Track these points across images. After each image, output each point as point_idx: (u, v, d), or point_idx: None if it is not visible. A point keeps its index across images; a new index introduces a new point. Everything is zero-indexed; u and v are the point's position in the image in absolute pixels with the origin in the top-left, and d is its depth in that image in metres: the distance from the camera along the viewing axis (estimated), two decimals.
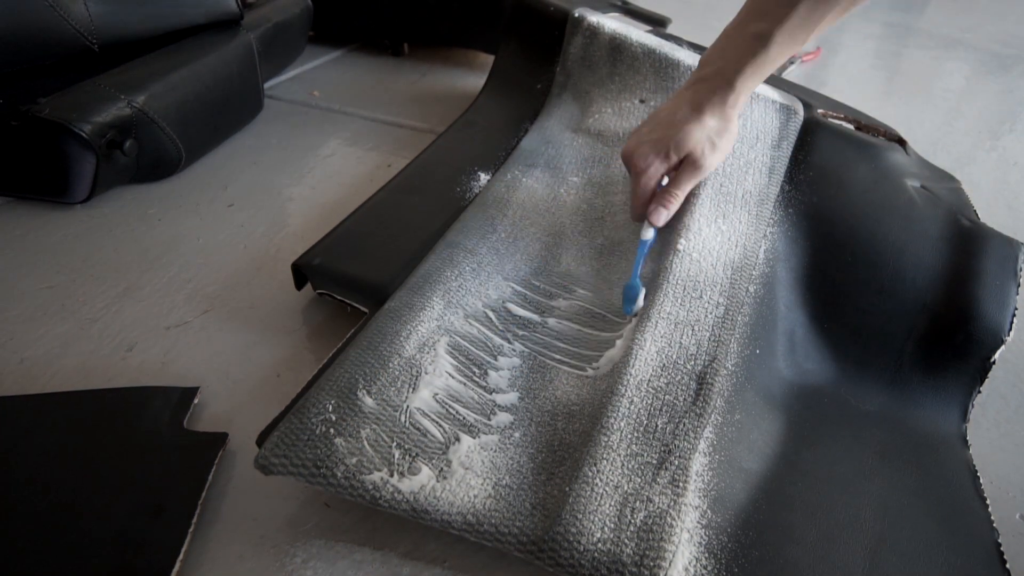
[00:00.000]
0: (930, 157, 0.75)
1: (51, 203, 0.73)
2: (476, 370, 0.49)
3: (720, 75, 0.51)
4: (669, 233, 0.58)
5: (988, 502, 0.46)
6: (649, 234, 0.55)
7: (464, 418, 0.45)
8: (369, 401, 0.44)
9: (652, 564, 0.36)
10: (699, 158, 0.52)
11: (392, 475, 0.40)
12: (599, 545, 0.37)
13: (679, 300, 0.51)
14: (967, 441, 0.51)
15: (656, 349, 0.47)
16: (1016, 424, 0.54)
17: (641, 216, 0.56)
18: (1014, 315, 0.53)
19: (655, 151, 0.52)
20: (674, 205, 0.54)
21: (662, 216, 0.54)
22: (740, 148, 0.64)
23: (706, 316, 0.50)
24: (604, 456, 0.41)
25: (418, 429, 0.44)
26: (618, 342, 0.51)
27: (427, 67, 1.17)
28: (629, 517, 0.38)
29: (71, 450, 0.45)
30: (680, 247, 0.55)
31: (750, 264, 0.54)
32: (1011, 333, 0.52)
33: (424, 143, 0.81)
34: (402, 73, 1.15)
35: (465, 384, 0.48)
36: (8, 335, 0.56)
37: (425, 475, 0.41)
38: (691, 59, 0.76)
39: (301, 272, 0.59)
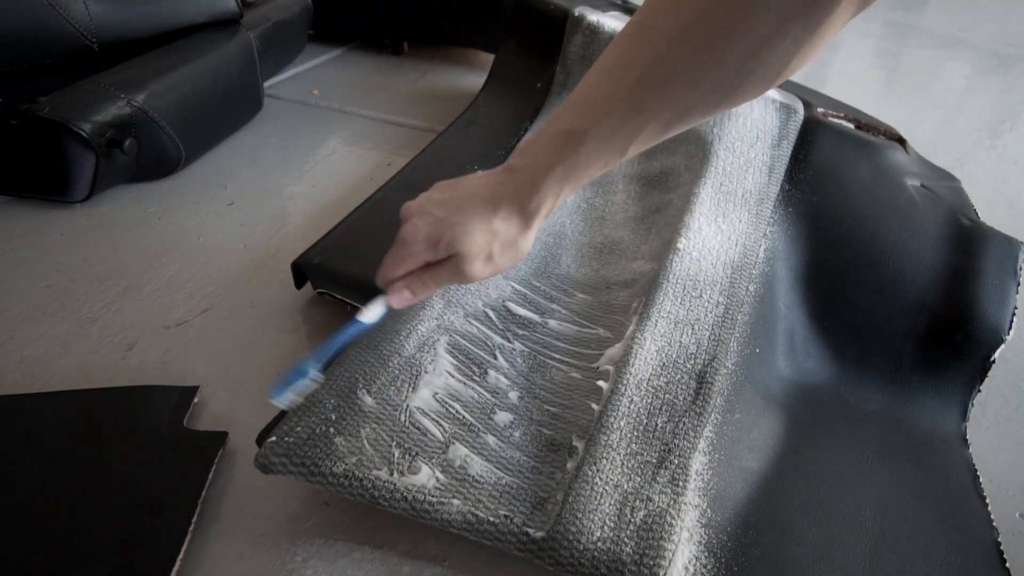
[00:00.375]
0: (930, 156, 0.75)
1: (51, 202, 0.73)
2: (476, 369, 0.49)
3: (527, 172, 0.42)
4: (669, 232, 0.58)
5: (988, 501, 0.46)
6: (374, 314, 0.44)
7: (464, 417, 0.45)
8: (369, 400, 0.44)
9: (652, 563, 0.36)
10: (464, 267, 0.42)
11: (392, 474, 0.40)
12: (599, 544, 0.37)
13: (679, 299, 0.51)
14: (967, 440, 0.51)
15: (656, 348, 0.47)
16: (1016, 423, 0.54)
17: (385, 285, 0.45)
18: (1014, 314, 0.53)
19: (428, 232, 0.42)
20: (422, 294, 0.45)
21: (403, 299, 0.44)
22: (740, 147, 0.64)
23: (706, 315, 0.50)
24: (604, 455, 0.41)
25: (418, 428, 0.44)
26: (618, 342, 0.51)
27: (427, 66, 1.17)
28: (629, 516, 0.38)
29: (71, 449, 0.45)
30: (680, 246, 0.55)
31: (750, 263, 0.54)
32: (1011, 332, 0.52)
33: (424, 142, 0.81)
34: (402, 72, 1.15)
35: (465, 383, 0.48)
36: (8, 334, 0.56)
37: (425, 474, 0.41)
38: None
39: (301, 271, 0.59)
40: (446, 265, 0.43)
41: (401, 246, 0.44)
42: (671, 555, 0.37)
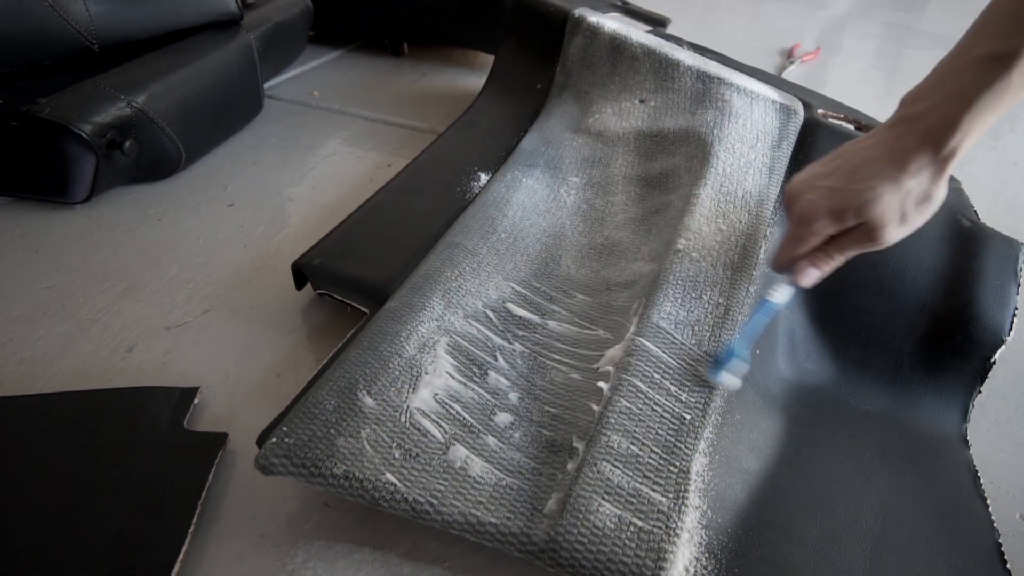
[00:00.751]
0: None
1: (51, 203, 0.73)
2: (476, 370, 0.49)
3: (936, 113, 0.37)
4: (669, 233, 0.58)
5: (988, 502, 0.46)
6: (784, 295, 0.45)
7: (464, 418, 0.45)
8: (369, 401, 0.44)
9: (652, 564, 0.36)
10: (880, 230, 0.40)
11: (392, 475, 0.40)
12: (600, 545, 0.37)
13: (679, 300, 0.51)
14: (967, 441, 0.51)
15: (656, 349, 0.47)
16: (1016, 424, 0.54)
17: (784, 267, 0.45)
18: (1014, 315, 0.53)
19: (830, 205, 0.40)
20: (830, 269, 0.43)
21: (812, 277, 0.44)
22: (740, 148, 0.64)
23: (706, 316, 0.50)
24: (604, 456, 0.41)
25: (418, 429, 0.44)
26: (618, 343, 0.51)
27: (427, 67, 1.17)
28: (629, 517, 0.38)
29: (71, 450, 0.44)
30: (680, 247, 0.55)
31: (750, 264, 0.54)
32: (1011, 333, 0.52)
33: (424, 143, 0.81)
34: (402, 73, 1.15)
35: (465, 384, 0.48)
36: (8, 335, 0.56)
37: (426, 475, 0.41)
38: (691, 59, 0.76)
39: (301, 272, 0.59)
40: (854, 235, 0.41)
41: (800, 225, 0.42)
42: (672, 556, 0.37)
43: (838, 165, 0.41)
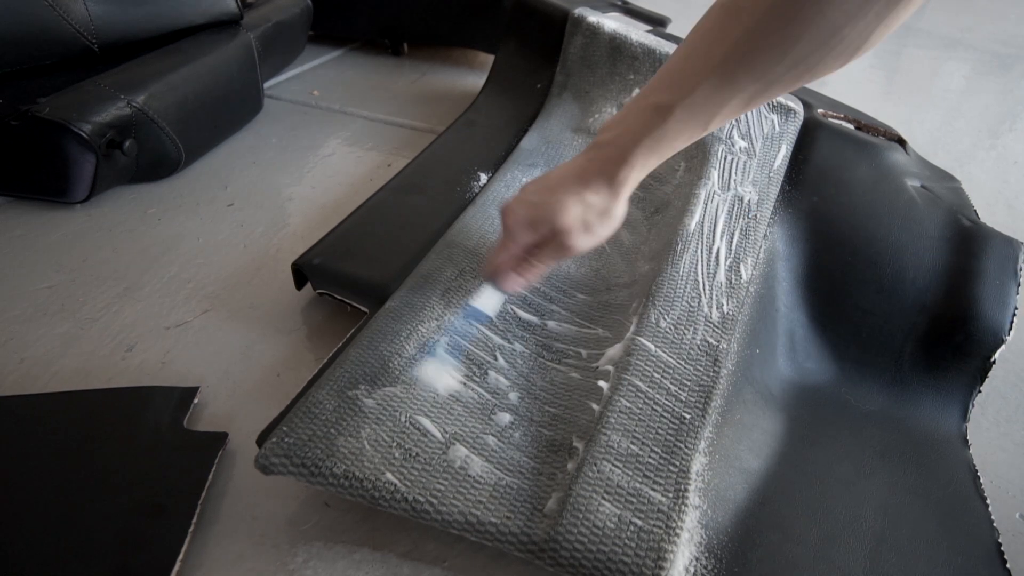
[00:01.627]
0: (930, 157, 0.75)
1: (51, 203, 0.73)
2: (476, 370, 0.49)
3: (614, 145, 0.44)
4: (669, 233, 0.58)
5: (988, 501, 0.46)
6: (491, 302, 0.49)
7: (464, 418, 0.45)
8: (369, 401, 0.44)
9: (653, 564, 0.36)
10: (566, 238, 0.46)
11: (392, 475, 0.40)
12: (600, 545, 0.37)
13: (679, 300, 0.51)
14: (967, 440, 0.51)
15: (656, 349, 0.47)
16: (1016, 424, 0.54)
17: (491, 275, 0.50)
18: (1014, 315, 0.53)
19: (528, 217, 0.46)
20: (532, 277, 0.49)
21: (515, 284, 0.49)
22: (740, 148, 0.64)
23: (705, 317, 0.50)
24: (604, 456, 0.41)
25: (418, 429, 0.44)
26: (618, 343, 0.51)
27: (427, 67, 1.17)
28: (630, 517, 0.38)
29: (71, 450, 0.44)
30: (679, 247, 0.55)
31: (749, 265, 0.54)
32: (1011, 333, 0.52)
33: (424, 143, 0.81)
34: (402, 73, 1.15)
35: (465, 384, 0.48)
36: (8, 335, 0.56)
37: (426, 475, 0.41)
38: None
39: (301, 272, 0.59)
40: (549, 243, 0.47)
41: (504, 234, 0.48)
42: (672, 556, 0.37)
43: (542, 183, 0.47)
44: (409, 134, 0.94)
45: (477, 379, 0.48)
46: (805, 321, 0.55)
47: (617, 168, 0.44)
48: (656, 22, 1.02)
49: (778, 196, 0.60)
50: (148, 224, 0.71)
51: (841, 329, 0.55)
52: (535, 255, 0.48)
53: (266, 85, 1.01)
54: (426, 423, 0.44)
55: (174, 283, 0.63)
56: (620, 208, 0.46)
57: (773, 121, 0.66)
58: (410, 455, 0.42)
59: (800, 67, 0.39)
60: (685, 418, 0.43)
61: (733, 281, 0.53)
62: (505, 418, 0.46)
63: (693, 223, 0.57)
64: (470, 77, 1.13)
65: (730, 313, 0.50)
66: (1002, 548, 0.43)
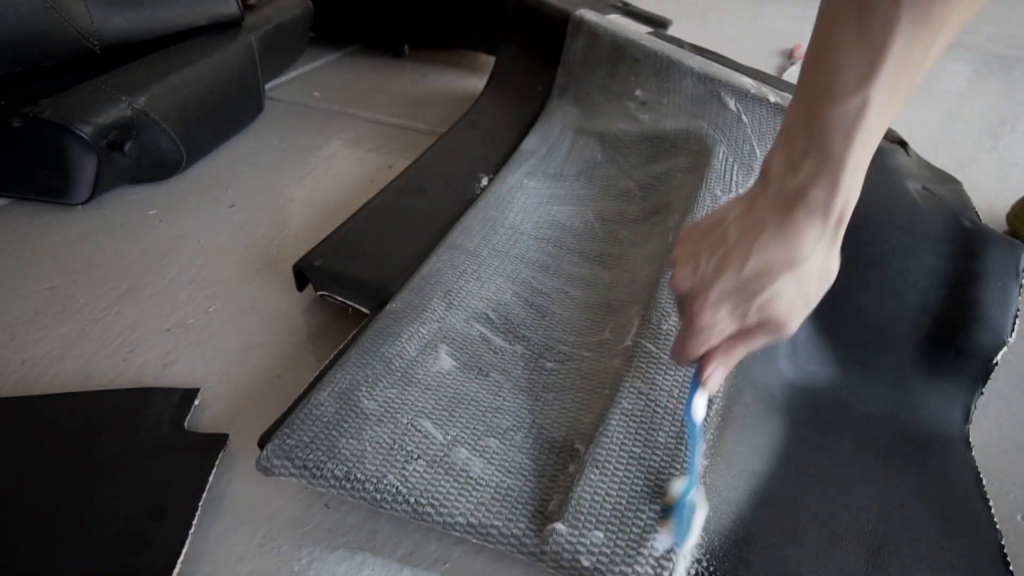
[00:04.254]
0: (931, 158, 0.75)
1: (52, 204, 0.73)
2: (478, 371, 0.49)
3: (816, 181, 0.34)
4: (671, 234, 0.58)
5: (991, 503, 0.46)
6: (701, 410, 0.40)
7: (465, 420, 0.45)
8: (371, 403, 0.44)
9: (655, 565, 0.36)
10: (786, 325, 0.36)
11: (394, 477, 0.40)
12: (602, 547, 0.37)
13: None
14: (970, 442, 0.51)
15: (657, 350, 0.47)
16: (1018, 425, 0.54)
17: (684, 362, 0.40)
18: (1016, 316, 0.53)
19: (730, 305, 0.36)
20: (734, 363, 0.39)
21: (718, 380, 0.39)
22: (742, 149, 0.64)
23: None
24: (606, 458, 0.41)
25: (420, 431, 0.43)
26: (619, 344, 0.51)
27: (428, 68, 1.18)
28: (631, 519, 0.38)
29: (72, 452, 0.44)
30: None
31: None
32: (1013, 334, 0.52)
33: (425, 144, 0.81)
34: (403, 74, 1.15)
35: (466, 386, 0.48)
36: (9, 336, 0.56)
37: (427, 477, 0.41)
38: (692, 61, 0.76)
39: (302, 274, 0.59)
40: (759, 331, 0.37)
41: (699, 330, 0.37)
42: (673, 558, 0.36)
43: (727, 252, 0.37)
44: (410, 136, 0.94)
45: (479, 381, 0.48)
46: (807, 322, 0.55)
47: (830, 208, 0.34)
48: (657, 24, 1.02)
49: None
50: (149, 225, 0.71)
51: (843, 331, 0.55)
52: (740, 339, 0.38)
53: (267, 87, 1.01)
54: (428, 425, 0.44)
55: (175, 284, 0.63)
56: (837, 255, 0.37)
57: (774, 122, 0.66)
58: (412, 457, 0.42)
59: None
60: (687, 420, 0.43)
61: None
62: (506, 420, 0.46)
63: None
64: (471, 79, 1.13)
65: None
66: (1005, 550, 0.43)
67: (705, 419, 0.41)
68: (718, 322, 0.37)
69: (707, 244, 0.37)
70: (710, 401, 0.45)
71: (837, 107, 0.33)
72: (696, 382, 0.39)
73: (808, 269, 0.35)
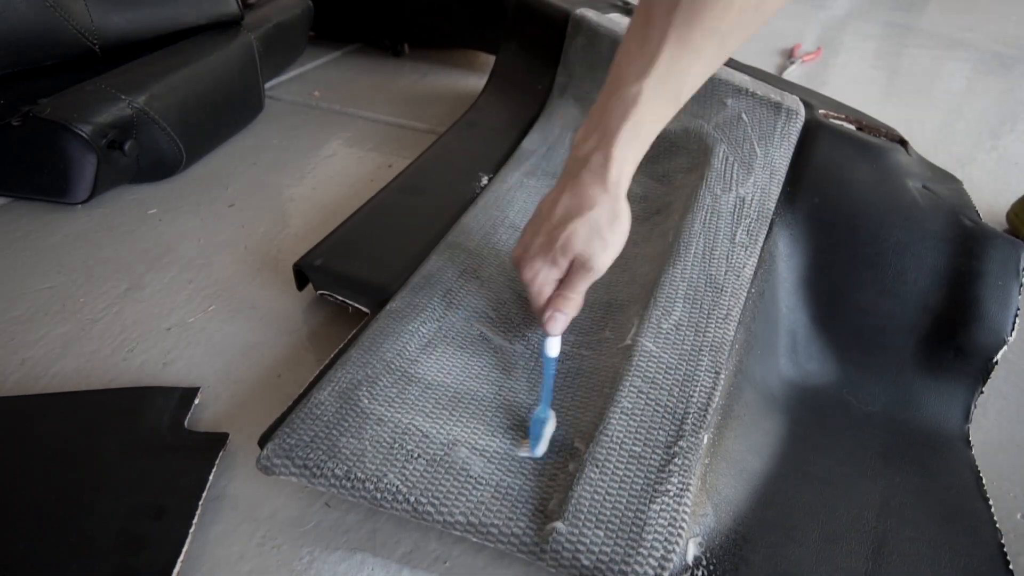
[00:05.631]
0: (931, 157, 0.75)
1: (52, 203, 0.73)
2: (477, 371, 0.49)
3: (597, 149, 0.44)
4: (671, 234, 0.58)
5: (991, 502, 0.46)
6: (554, 349, 0.47)
7: (466, 419, 0.45)
8: (371, 402, 0.44)
9: (655, 564, 0.36)
10: (587, 260, 0.44)
11: (394, 476, 0.40)
12: (602, 546, 0.37)
13: (680, 301, 0.51)
14: (969, 441, 0.51)
15: (658, 350, 0.47)
16: (1018, 424, 0.54)
17: (538, 316, 0.49)
18: (1016, 315, 0.53)
19: (541, 257, 0.46)
20: (571, 308, 0.47)
21: (559, 322, 0.47)
22: (741, 149, 0.64)
23: (707, 317, 0.50)
24: (607, 457, 0.41)
25: (420, 430, 0.43)
26: (619, 343, 0.51)
27: (428, 67, 1.17)
28: (632, 518, 0.38)
29: (72, 451, 0.44)
30: (680, 248, 0.55)
31: (751, 265, 0.54)
32: (1013, 333, 0.52)
33: (425, 143, 0.81)
34: (403, 73, 1.15)
35: (466, 385, 0.48)
36: (9, 335, 0.56)
37: (427, 476, 0.41)
38: None
39: (302, 273, 0.59)
40: (574, 271, 0.46)
41: (530, 282, 0.47)
42: (674, 557, 0.36)
43: (539, 220, 0.47)
44: (410, 135, 0.94)
45: (479, 380, 0.48)
46: (807, 321, 0.55)
47: (606, 172, 0.44)
48: None
49: (779, 197, 0.60)
50: (149, 225, 0.71)
51: (843, 329, 0.55)
52: (565, 285, 0.47)
53: (267, 86, 1.01)
54: (428, 424, 0.44)
55: (175, 284, 0.63)
56: (624, 210, 0.45)
57: (775, 122, 0.66)
58: (412, 456, 0.42)
59: (747, 8, 0.40)
60: (686, 419, 0.43)
61: (735, 282, 0.53)
62: (507, 419, 0.46)
63: (694, 224, 0.57)
64: (471, 78, 1.13)
65: (731, 314, 0.50)
66: (1005, 549, 0.43)
67: (558, 356, 0.48)
68: (538, 271, 0.46)
69: (530, 221, 0.48)
70: (711, 398, 0.44)
71: (619, 93, 0.43)
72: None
73: (595, 215, 0.44)
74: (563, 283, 0.47)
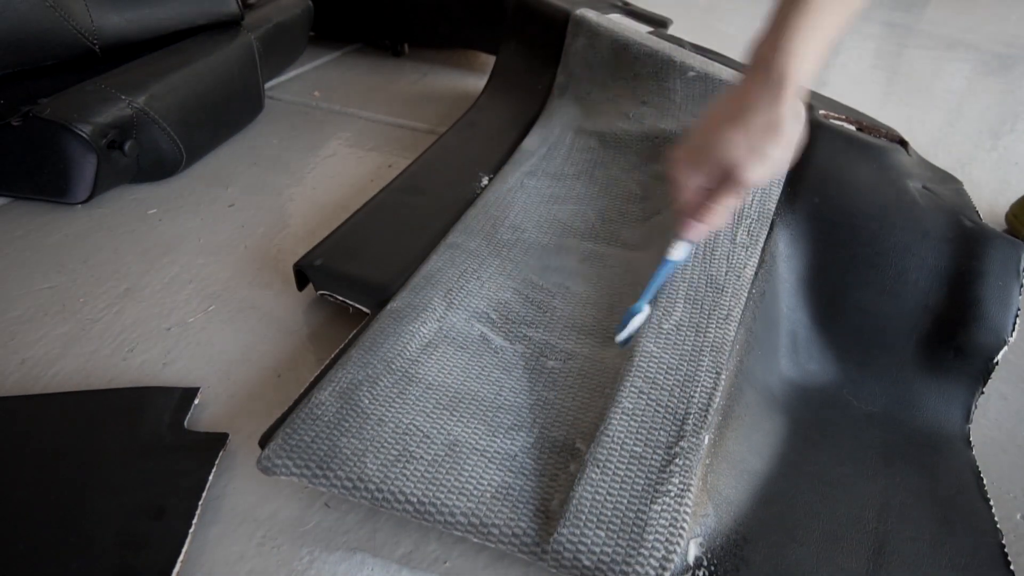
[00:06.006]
0: (931, 158, 0.75)
1: (52, 203, 0.73)
2: (478, 371, 0.49)
3: (767, 43, 0.39)
4: (671, 234, 0.58)
5: (991, 503, 0.46)
6: (678, 253, 0.47)
7: (467, 419, 0.45)
8: (372, 403, 0.44)
9: (656, 565, 0.36)
10: (737, 171, 0.40)
11: (395, 476, 0.40)
12: (603, 547, 0.37)
13: (681, 302, 0.51)
14: (970, 442, 0.51)
15: (659, 351, 0.47)
16: (1018, 424, 0.54)
17: (680, 218, 0.46)
18: (1016, 316, 0.53)
19: (692, 163, 0.42)
20: (714, 221, 0.44)
21: (697, 232, 0.45)
22: None
23: (708, 317, 0.50)
24: (608, 458, 0.41)
25: (420, 430, 0.43)
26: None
27: (428, 67, 1.17)
28: (632, 518, 0.38)
29: (72, 451, 0.44)
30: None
31: (752, 265, 0.54)
32: (1014, 334, 0.52)
33: (425, 143, 0.81)
34: (403, 73, 1.15)
35: (467, 385, 0.48)
36: (9, 335, 0.56)
37: (428, 476, 0.41)
38: (692, 60, 0.76)
39: (303, 273, 0.59)
40: (725, 183, 0.42)
41: (675, 187, 0.44)
42: (675, 557, 0.36)
43: (701, 126, 0.42)
44: (410, 135, 0.94)
45: (480, 380, 0.48)
46: (807, 322, 0.55)
47: (771, 63, 0.38)
48: (657, 23, 1.02)
49: (780, 197, 0.60)
50: (149, 225, 0.71)
51: (843, 330, 0.55)
52: (711, 196, 0.43)
53: (267, 86, 1.01)
54: (428, 424, 0.44)
55: (175, 284, 0.63)
56: (788, 114, 0.39)
57: None
58: (413, 456, 0.42)
59: None
60: (687, 419, 0.43)
61: (735, 282, 0.53)
62: (508, 419, 0.46)
63: None
64: (471, 78, 1.13)
65: (732, 314, 0.50)
66: (1005, 549, 0.43)
67: (679, 261, 0.47)
68: (688, 176, 0.43)
69: (696, 124, 0.43)
70: (711, 399, 0.44)
71: None
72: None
73: (749, 120, 0.40)
74: (712, 192, 0.43)
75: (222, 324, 0.59)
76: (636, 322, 0.46)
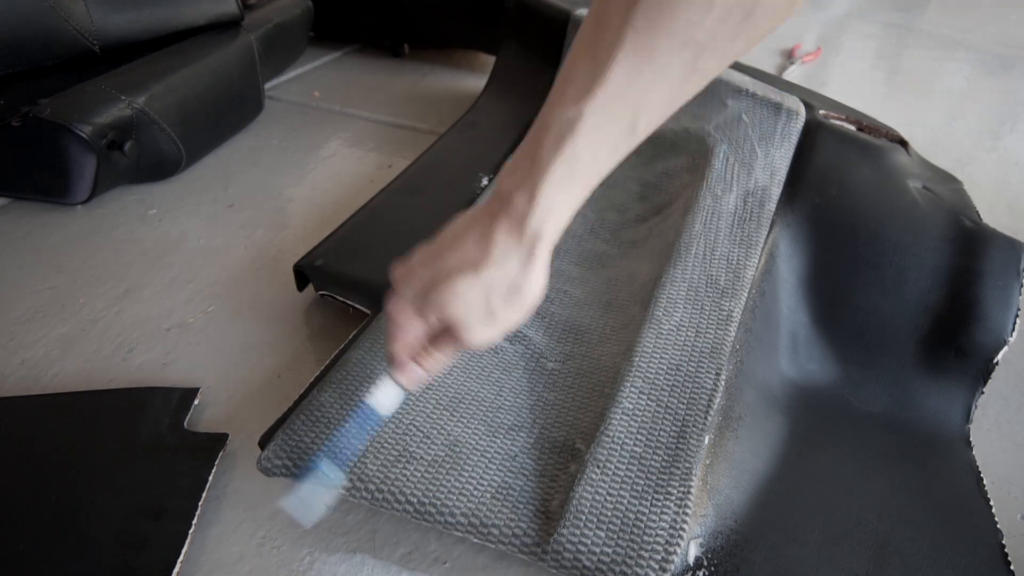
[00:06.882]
0: (931, 158, 0.75)
1: (52, 204, 0.73)
2: (478, 371, 0.49)
3: (520, 187, 0.32)
4: (671, 234, 0.58)
5: (991, 503, 0.46)
6: (387, 399, 0.39)
7: (467, 419, 0.45)
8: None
9: (656, 565, 0.36)
10: (460, 331, 0.35)
11: (395, 477, 0.40)
12: (603, 547, 0.37)
13: (681, 302, 0.51)
14: (970, 442, 0.51)
15: (659, 351, 0.47)
16: (1018, 425, 0.54)
17: (392, 363, 0.38)
18: (1017, 316, 0.53)
19: (414, 301, 0.36)
20: (434, 368, 0.38)
21: (414, 377, 0.38)
22: (741, 149, 0.64)
23: (708, 318, 0.50)
24: (608, 458, 0.41)
25: (421, 431, 0.43)
26: (621, 345, 0.51)
27: (428, 68, 1.17)
28: (633, 519, 0.38)
29: (72, 451, 0.44)
30: (681, 248, 0.55)
31: (752, 266, 0.54)
32: (1014, 334, 0.52)
33: (425, 144, 0.81)
34: (403, 74, 1.15)
35: (467, 386, 0.48)
36: (9, 336, 0.56)
37: (428, 476, 0.41)
38: None
39: (303, 273, 0.59)
40: (446, 335, 0.37)
41: (391, 324, 0.37)
42: (675, 557, 0.36)
43: (434, 248, 0.36)
44: (410, 135, 0.94)
45: (480, 381, 0.48)
46: (807, 322, 0.55)
47: (526, 217, 0.32)
48: None
49: (780, 197, 0.60)
50: (149, 225, 0.71)
51: (843, 330, 0.55)
52: (433, 342, 0.38)
53: (267, 86, 1.01)
54: (428, 425, 0.44)
55: (175, 284, 0.63)
56: (535, 279, 0.34)
57: (775, 122, 0.66)
58: (413, 457, 0.42)
59: (735, 15, 0.29)
60: (688, 419, 0.43)
61: (735, 282, 0.53)
62: (508, 419, 0.46)
63: (695, 224, 0.57)
64: (471, 78, 1.13)
65: (732, 314, 0.50)
66: (1006, 550, 0.43)
67: (387, 417, 0.40)
68: (403, 320, 0.36)
69: (430, 245, 0.36)
70: (712, 399, 0.44)
71: (556, 115, 0.32)
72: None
73: (491, 277, 0.33)
74: (434, 341, 0.38)
75: (222, 324, 0.59)
76: (322, 501, 0.37)
